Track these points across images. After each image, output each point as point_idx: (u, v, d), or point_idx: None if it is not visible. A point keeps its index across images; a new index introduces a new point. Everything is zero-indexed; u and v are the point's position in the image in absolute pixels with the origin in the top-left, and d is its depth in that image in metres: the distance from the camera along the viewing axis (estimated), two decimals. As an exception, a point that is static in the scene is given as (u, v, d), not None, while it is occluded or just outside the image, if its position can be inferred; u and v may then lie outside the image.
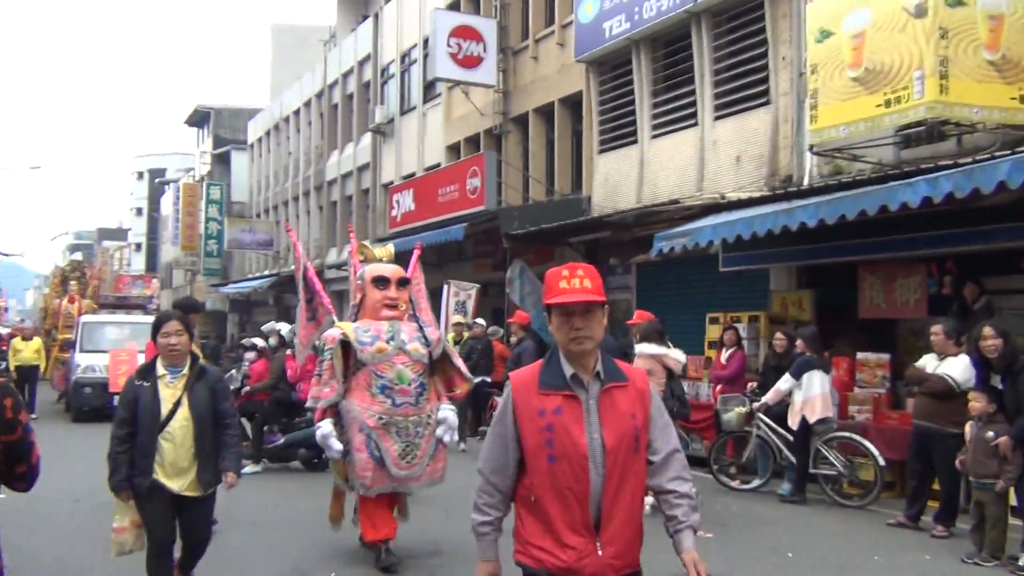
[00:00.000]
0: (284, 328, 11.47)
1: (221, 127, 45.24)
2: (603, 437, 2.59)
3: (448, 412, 5.93)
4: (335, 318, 6.38)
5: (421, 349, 5.79)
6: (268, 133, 36.46)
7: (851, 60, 9.16)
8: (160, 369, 4.62)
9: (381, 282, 5.88)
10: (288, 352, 10.57)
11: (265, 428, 10.72)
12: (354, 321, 6.01)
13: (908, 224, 9.00)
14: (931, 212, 8.27)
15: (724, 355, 10.51)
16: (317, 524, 6.81)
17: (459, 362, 6.15)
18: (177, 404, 4.51)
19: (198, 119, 48.36)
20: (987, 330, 6.60)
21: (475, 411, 13.19)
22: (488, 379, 12.86)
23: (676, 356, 8.28)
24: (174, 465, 4.47)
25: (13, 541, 5.38)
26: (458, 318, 14.21)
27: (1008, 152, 7.81)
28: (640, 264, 14.47)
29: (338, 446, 5.65)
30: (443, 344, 6.10)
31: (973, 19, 8.43)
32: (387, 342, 5.68)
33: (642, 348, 8.20)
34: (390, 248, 6.29)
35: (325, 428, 5.66)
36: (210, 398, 4.59)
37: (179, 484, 4.50)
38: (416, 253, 6.95)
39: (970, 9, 8.41)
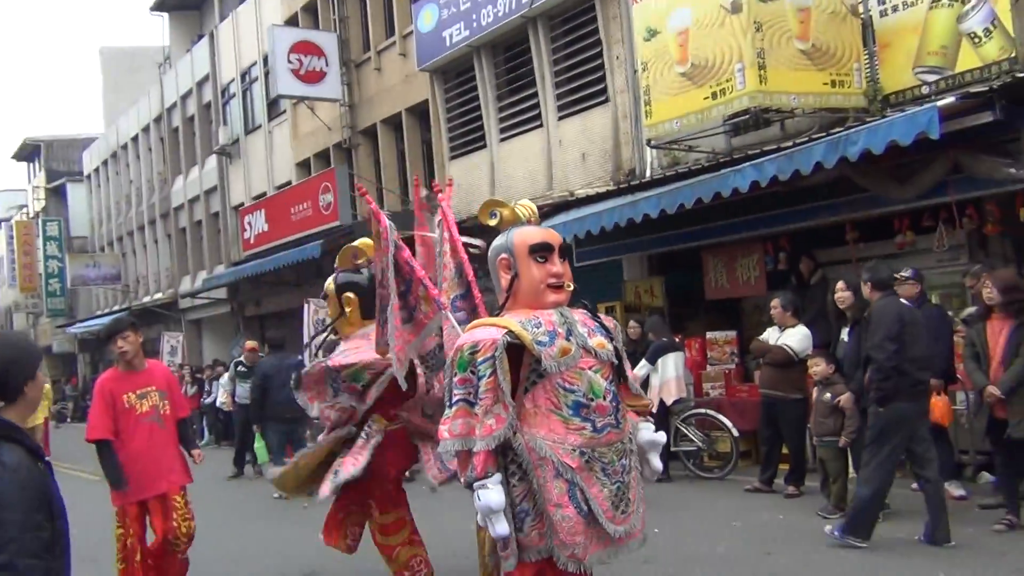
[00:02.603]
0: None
1: (53, 159, 42.85)
2: None
3: (650, 428, 3.87)
4: (451, 315, 4.54)
5: (607, 345, 3.72)
6: (105, 162, 34.80)
7: (678, 56, 9.63)
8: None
9: (541, 252, 3.73)
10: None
11: None
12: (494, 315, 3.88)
13: (743, 207, 9.56)
14: (762, 194, 8.83)
15: (585, 347, 10.81)
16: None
17: (627, 365, 3.95)
18: None
19: (27, 153, 45.65)
20: (839, 283, 7.16)
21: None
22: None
23: None
24: None
25: None
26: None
27: (823, 135, 8.44)
28: (499, 266, 14.69)
29: (505, 528, 3.38)
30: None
31: (784, 12, 9.02)
32: (567, 339, 3.61)
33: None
34: (532, 205, 4.05)
35: (493, 494, 3.36)
36: None
37: None
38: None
39: (780, 3, 8.99)
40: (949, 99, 7.60)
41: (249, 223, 20.48)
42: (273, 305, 21.78)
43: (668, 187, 9.64)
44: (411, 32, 16.07)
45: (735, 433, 8.77)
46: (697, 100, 9.46)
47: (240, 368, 12.98)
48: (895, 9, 8.93)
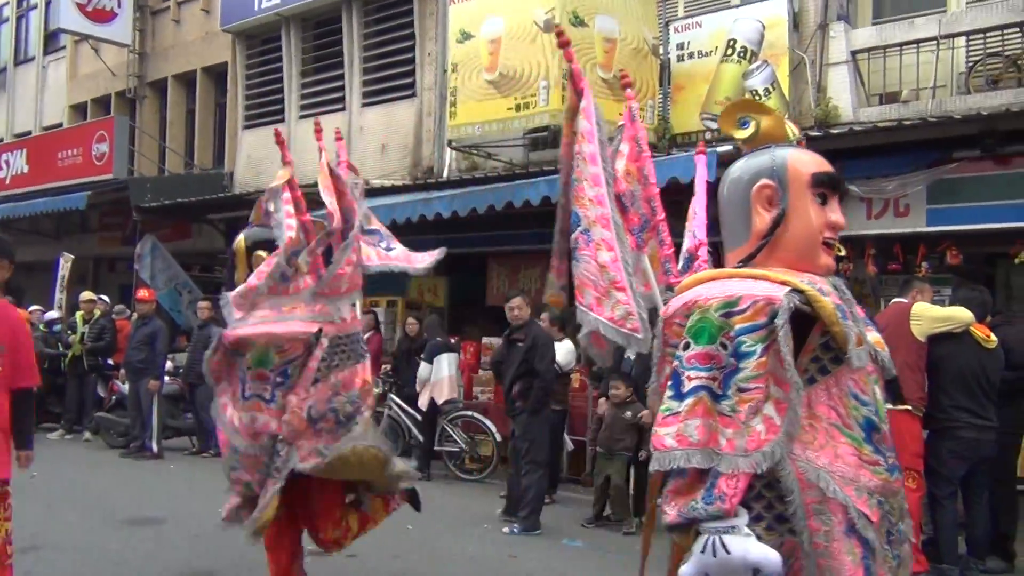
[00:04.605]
0: None
1: None
2: None
3: None
4: (646, 258, 3.07)
5: (884, 345, 2.48)
6: None
7: (487, 64, 9.78)
8: None
9: (824, 188, 2.38)
10: None
11: None
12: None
13: (532, 220, 9.82)
14: (551, 210, 9.08)
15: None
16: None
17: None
18: None
19: None
20: None
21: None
22: (111, 361, 11.91)
23: None
24: None
25: None
26: (89, 294, 12.94)
27: (614, 161, 8.86)
28: (282, 245, 14.25)
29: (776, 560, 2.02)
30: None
31: (592, 39, 9.40)
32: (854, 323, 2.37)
33: None
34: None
35: (756, 543, 2.03)
36: None
37: None
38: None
39: (590, 30, 9.38)
40: (728, 147, 8.20)
41: (6, 162, 18.57)
42: (25, 255, 19.70)
43: (463, 190, 9.75)
44: (218, -12, 15.26)
45: (498, 438, 8.99)
46: (501, 109, 9.64)
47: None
48: (691, 56, 9.55)
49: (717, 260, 2.69)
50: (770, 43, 8.93)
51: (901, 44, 8.40)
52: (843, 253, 2.06)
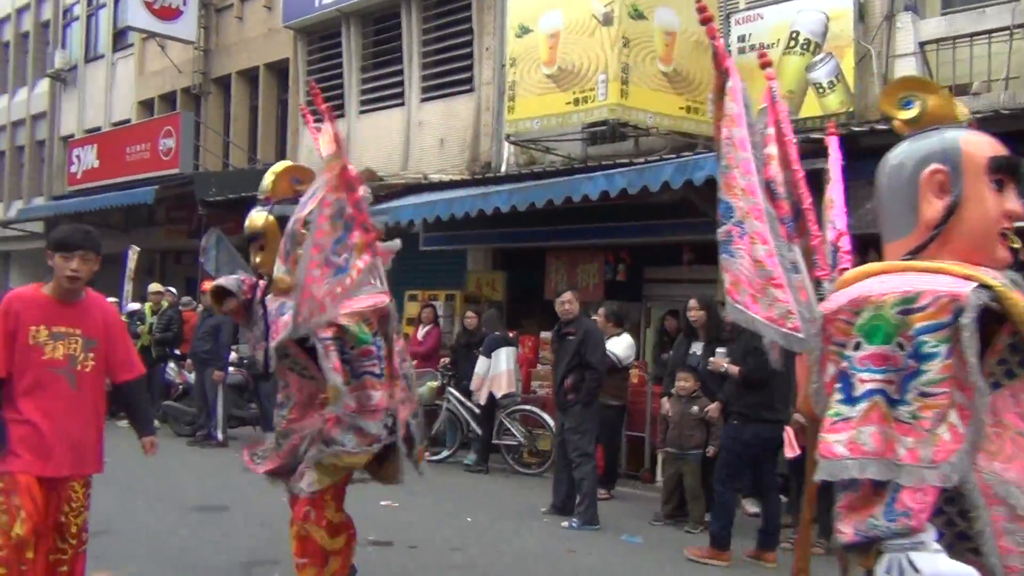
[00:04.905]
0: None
1: None
2: None
3: None
4: (798, 250, 2.71)
5: None
6: (-81, 67, 31.61)
7: (546, 58, 9.78)
8: None
9: (1002, 173, 2.15)
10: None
11: None
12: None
13: (590, 215, 9.82)
14: (610, 205, 9.10)
15: (421, 332, 10.83)
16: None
17: None
18: None
19: None
20: (692, 302, 7.20)
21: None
22: (178, 352, 12.22)
23: None
24: None
25: None
26: (157, 286, 13.30)
27: (674, 156, 8.80)
28: (342, 239, 14.43)
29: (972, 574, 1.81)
30: None
31: (651, 32, 9.34)
32: None
33: None
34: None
35: (948, 561, 1.80)
36: None
37: None
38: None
39: (649, 23, 9.31)
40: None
41: (78, 157, 19.18)
42: (94, 247, 20.47)
43: (522, 184, 9.77)
44: (280, -15, 15.51)
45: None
46: (559, 104, 9.64)
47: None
48: (752, 48, 9.41)
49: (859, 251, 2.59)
50: (834, 35, 8.76)
51: (971, 35, 8.18)
52: (1018, 245, 1.97)
